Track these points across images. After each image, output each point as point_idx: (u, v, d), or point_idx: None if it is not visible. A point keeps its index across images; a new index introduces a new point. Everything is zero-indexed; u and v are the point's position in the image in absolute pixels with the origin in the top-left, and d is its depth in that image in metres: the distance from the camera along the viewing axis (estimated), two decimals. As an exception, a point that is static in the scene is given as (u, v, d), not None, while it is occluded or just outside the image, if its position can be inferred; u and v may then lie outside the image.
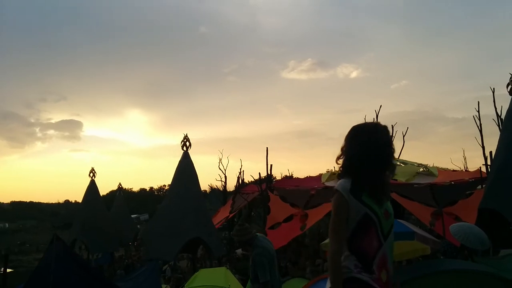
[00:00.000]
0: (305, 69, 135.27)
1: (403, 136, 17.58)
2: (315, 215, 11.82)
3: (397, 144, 17.37)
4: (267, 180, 15.28)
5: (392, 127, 17.04)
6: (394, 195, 10.87)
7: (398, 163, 15.85)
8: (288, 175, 23.65)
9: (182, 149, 12.39)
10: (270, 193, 14.13)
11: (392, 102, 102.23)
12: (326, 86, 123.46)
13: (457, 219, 9.98)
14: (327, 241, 6.33)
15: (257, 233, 5.11)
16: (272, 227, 12.80)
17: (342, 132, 2.40)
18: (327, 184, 14.26)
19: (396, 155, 16.49)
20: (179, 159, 12.47)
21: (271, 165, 15.10)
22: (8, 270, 16.27)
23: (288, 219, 12.59)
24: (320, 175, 16.40)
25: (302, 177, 20.71)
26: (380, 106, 15.57)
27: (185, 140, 12.37)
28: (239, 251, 5.81)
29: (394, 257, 6.46)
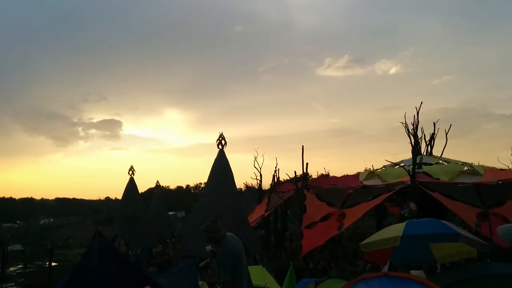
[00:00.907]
0: (341, 66, 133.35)
1: (446, 134, 16.93)
2: (353, 215, 11.59)
3: (439, 142, 16.91)
4: (303, 179, 15.15)
5: (434, 124, 16.50)
6: (437, 195, 10.49)
7: (441, 161, 15.30)
8: (324, 173, 23.35)
9: (218, 147, 12.43)
10: (306, 192, 14.00)
11: (434, 99, 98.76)
12: (363, 83, 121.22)
13: (505, 220, 9.47)
14: (366, 241, 6.14)
15: (226, 233, 5.10)
16: (308, 226, 12.66)
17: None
18: (365, 183, 13.98)
19: (438, 153, 15.93)
20: (214, 157, 12.53)
21: (307, 164, 14.96)
22: (53, 263, 16.98)
23: (325, 218, 12.39)
24: (358, 173, 16.13)
25: (339, 175, 20.41)
26: (421, 103, 14.99)
27: (220, 138, 12.40)
28: (208, 247, 5.67)
29: (439, 259, 6.25)
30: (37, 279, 20.54)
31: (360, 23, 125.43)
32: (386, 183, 12.78)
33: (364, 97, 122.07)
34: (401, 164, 13.81)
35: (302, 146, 14.86)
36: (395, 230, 5.75)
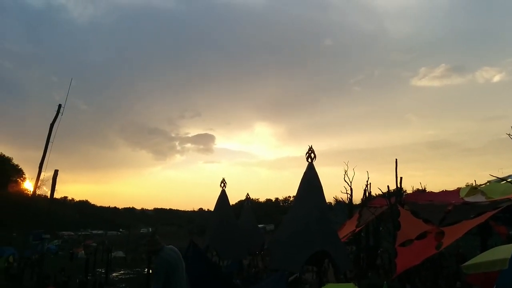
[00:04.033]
0: (438, 76, 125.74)
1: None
2: (453, 233, 10.70)
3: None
4: (397, 194, 14.45)
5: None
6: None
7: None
8: (420, 188, 22.00)
9: (307, 160, 12.40)
10: (400, 208, 13.31)
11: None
12: (462, 92, 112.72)
13: None
14: (469, 262, 5.65)
15: (164, 246, 5.66)
16: (403, 244, 11.97)
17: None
18: (467, 199, 12.91)
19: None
20: (303, 170, 12.51)
21: (401, 178, 14.28)
22: (151, 271, 18.15)
23: (421, 236, 11.62)
24: (458, 189, 14.96)
25: (437, 191, 19.19)
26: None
27: (310, 151, 12.36)
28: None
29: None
30: (136, 285, 22.15)
31: (458, 30, 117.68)
32: (491, 199, 11.72)
33: (463, 108, 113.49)
34: (508, 180, 12.53)
35: (396, 159, 14.26)
36: (503, 251, 5.27)
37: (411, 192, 19.93)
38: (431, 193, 18.48)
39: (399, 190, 14.72)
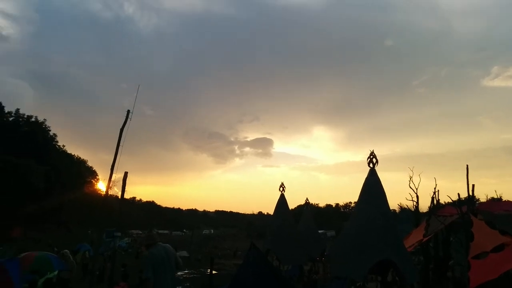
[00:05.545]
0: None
1: None
2: (536, 247, 9.80)
3: None
4: (469, 202, 13.52)
5: None
6: None
7: None
8: (495, 197, 20.43)
9: (369, 165, 11.95)
10: (473, 217, 12.44)
11: None
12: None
13: None
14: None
15: (159, 243, 6.70)
16: (477, 257, 11.15)
17: None
18: (551, 210, 11.78)
19: None
20: (364, 175, 12.08)
21: (473, 185, 13.33)
22: (214, 272, 18.50)
23: (498, 249, 10.75)
24: (541, 198, 13.71)
25: (514, 200, 17.82)
26: None
27: (371, 156, 11.91)
28: None
29: None
30: (200, 285, 22.69)
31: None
32: None
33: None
34: None
35: (467, 165, 13.31)
36: None
37: (485, 200, 18.52)
38: (508, 202, 17.17)
39: (471, 198, 13.77)
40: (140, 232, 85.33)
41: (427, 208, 17.28)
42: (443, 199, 16.97)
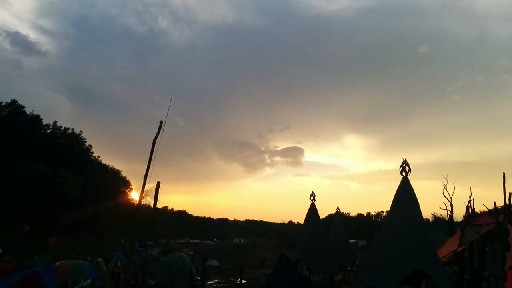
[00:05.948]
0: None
1: None
2: None
3: None
4: (505, 211, 13.14)
5: None
6: None
7: None
8: (533, 206, 19.65)
9: (401, 174, 11.83)
10: (509, 226, 12.09)
11: None
12: None
13: None
14: None
15: (176, 251, 7.38)
16: (514, 267, 10.84)
17: None
18: None
19: None
20: (397, 184, 11.97)
21: (510, 194, 12.96)
22: (243, 281, 18.61)
23: (536, 259, 10.43)
24: None
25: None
26: None
27: (404, 165, 11.79)
28: None
29: None
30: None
31: None
32: None
33: None
34: None
35: (504, 173, 13.00)
36: None
37: (523, 209, 17.83)
38: (548, 211, 16.52)
39: (507, 207, 13.38)
40: (172, 241, 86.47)
41: (462, 217, 16.84)
42: (479, 208, 16.43)
